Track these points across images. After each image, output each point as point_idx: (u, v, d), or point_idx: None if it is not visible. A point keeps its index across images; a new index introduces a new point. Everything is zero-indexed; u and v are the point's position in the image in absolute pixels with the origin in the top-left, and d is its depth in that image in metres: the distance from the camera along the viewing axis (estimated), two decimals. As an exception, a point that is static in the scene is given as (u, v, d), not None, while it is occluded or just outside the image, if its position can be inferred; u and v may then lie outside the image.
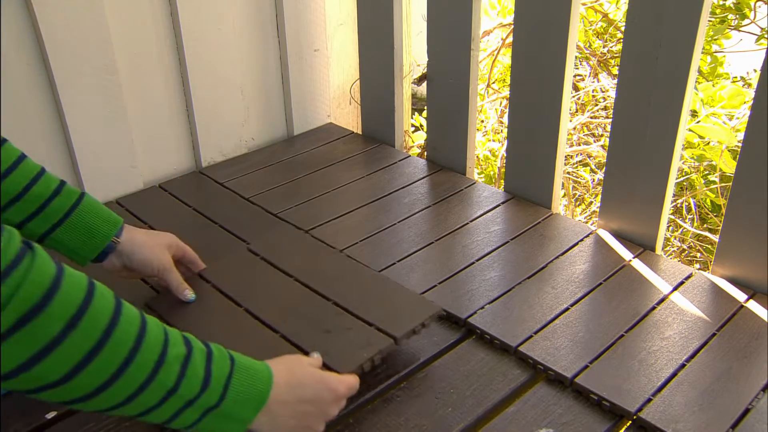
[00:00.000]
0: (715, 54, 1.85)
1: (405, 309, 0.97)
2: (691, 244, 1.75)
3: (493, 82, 1.99)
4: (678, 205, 1.76)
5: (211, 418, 0.68)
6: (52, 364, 0.56)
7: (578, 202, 1.93)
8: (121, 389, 0.61)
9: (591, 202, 1.88)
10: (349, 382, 0.81)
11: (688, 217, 1.75)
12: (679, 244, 1.76)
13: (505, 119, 1.84)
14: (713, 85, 1.62)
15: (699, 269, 1.15)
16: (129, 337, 0.61)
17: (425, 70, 1.64)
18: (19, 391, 0.59)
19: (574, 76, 1.84)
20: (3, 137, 0.86)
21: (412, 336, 0.94)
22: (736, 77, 1.92)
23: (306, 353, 0.89)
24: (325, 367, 0.87)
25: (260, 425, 0.72)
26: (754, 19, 1.78)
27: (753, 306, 1.03)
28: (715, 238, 1.40)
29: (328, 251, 1.14)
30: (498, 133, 1.99)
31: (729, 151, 1.59)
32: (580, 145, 1.89)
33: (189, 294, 0.99)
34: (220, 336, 0.96)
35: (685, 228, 1.73)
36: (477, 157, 1.90)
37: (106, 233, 0.92)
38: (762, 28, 1.78)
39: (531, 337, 0.97)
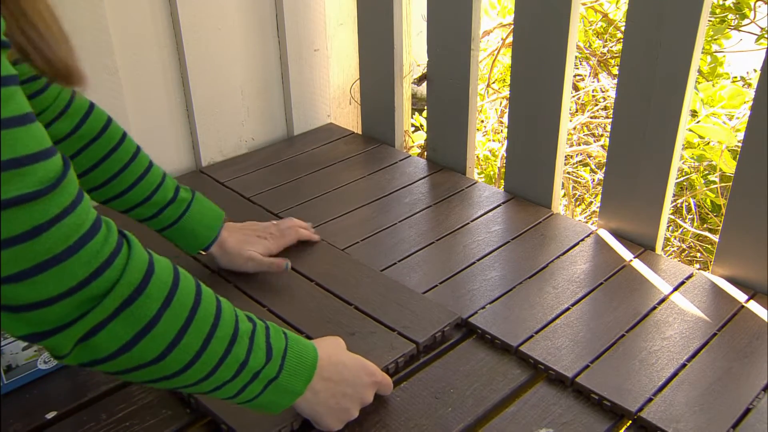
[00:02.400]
0: (715, 54, 1.85)
1: (425, 316, 1.00)
2: (691, 244, 1.75)
3: (493, 82, 1.99)
4: (678, 205, 1.76)
5: (271, 391, 0.72)
6: (150, 343, 0.61)
7: (578, 202, 1.93)
8: (204, 364, 0.66)
9: (591, 202, 1.88)
10: (385, 375, 0.86)
11: (688, 217, 1.75)
12: (679, 244, 1.76)
13: (505, 119, 1.84)
14: (713, 85, 1.62)
15: (699, 269, 1.15)
16: (209, 314, 0.66)
17: (425, 70, 1.64)
18: (112, 374, 0.63)
19: (574, 76, 1.84)
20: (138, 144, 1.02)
21: (432, 342, 0.97)
22: (736, 77, 1.92)
23: None
24: None
25: (304, 401, 0.77)
26: (754, 19, 1.78)
27: (753, 306, 1.03)
28: (715, 238, 1.40)
29: (344, 257, 1.16)
30: (498, 133, 1.99)
31: (729, 151, 1.59)
32: (580, 145, 1.89)
33: (283, 264, 1.09)
34: None
35: (685, 228, 1.73)
36: (477, 157, 1.90)
37: (203, 238, 1.06)
38: (762, 28, 1.78)
39: (531, 336, 0.97)
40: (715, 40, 1.82)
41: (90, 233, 0.57)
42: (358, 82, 1.67)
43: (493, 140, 1.96)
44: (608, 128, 1.68)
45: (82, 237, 0.57)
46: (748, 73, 1.95)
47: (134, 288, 0.60)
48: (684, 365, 0.91)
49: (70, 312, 0.58)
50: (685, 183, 1.76)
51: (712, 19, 1.79)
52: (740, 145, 1.04)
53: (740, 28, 1.81)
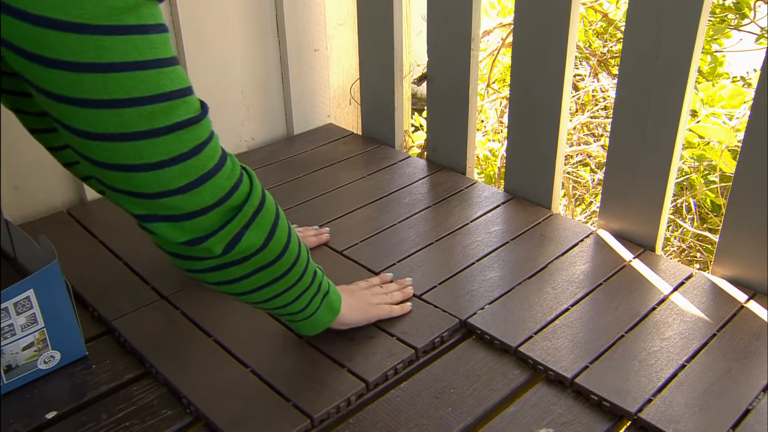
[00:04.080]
0: (715, 54, 1.85)
1: (424, 321, 1.00)
2: (691, 244, 1.75)
3: (493, 82, 1.99)
4: (678, 205, 1.76)
5: (324, 306, 0.90)
6: (274, 245, 0.77)
7: (578, 202, 1.93)
8: (299, 267, 0.82)
9: (591, 202, 1.88)
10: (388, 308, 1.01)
11: (688, 217, 1.75)
12: (679, 244, 1.76)
13: (505, 119, 1.84)
14: (713, 85, 1.62)
15: (699, 269, 1.15)
16: (290, 227, 0.82)
17: (425, 70, 1.64)
18: (246, 276, 0.77)
19: (574, 76, 1.84)
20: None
21: (431, 348, 0.97)
22: (736, 77, 1.91)
23: (328, 357, 0.94)
24: (351, 373, 0.91)
25: (345, 316, 0.94)
26: (754, 18, 1.78)
27: (753, 306, 1.03)
28: (715, 238, 1.40)
29: (343, 260, 1.16)
30: (498, 133, 1.99)
31: (729, 151, 1.59)
32: (580, 145, 1.89)
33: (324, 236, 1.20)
34: (244, 336, 0.97)
35: (685, 228, 1.73)
36: (477, 157, 1.90)
37: None
38: (762, 28, 1.78)
39: (531, 337, 0.97)
40: (715, 39, 1.82)
41: (224, 154, 0.70)
42: (358, 82, 1.67)
43: (493, 140, 1.96)
44: (608, 128, 1.68)
45: (222, 156, 0.70)
46: (748, 73, 1.95)
47: (260, 200, 0.74)
48: (683, 366, 0.91)
49: (220, 219, 0.70)
50: (685, 183, 1.76)
51: (712, 19, 1.79)
52: (740, 145, 1.04)
53: (740, 28, 1.80)
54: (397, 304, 1.02)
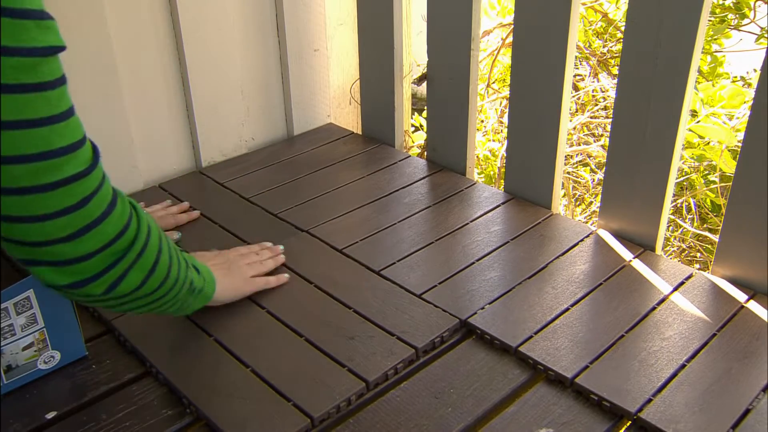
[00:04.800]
0: (715, 54, 1.85)
1: (424, 320, 1.00)
2: (691, 244, 1.75)
3: (493, 82, 1.99)
4: (678, 205, 1.76)
5: (200, 300, 0.94)
6: (152, 281, 0.79)
7: (578, 202, 1.93)
8: (177, 288, 0.84)
9: (591, 202, 1.88)
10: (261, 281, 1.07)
11: (688, 217, 1.75)
12: (679, 244, 1.76)
13: (505, 119, 1.84)
14: (713, 85, 1.62)
15: (699, 269, 1.15)
16: (174, 250, 0.84)
17: (425, 70, 1.64)
18: (123, 305, 0.79)
19: (574, 76, 1.84)
20: None
21: (431, 347, 0.97)
22: (736, 77, 1.91)
23: (328, 357, 0.94)
24: (351, 373, 0.91)
25: (216, 299, 0.99)
26: (754, 18, 1.78)
27: (753, 306, 1.03)
28: (715, 238, 1.40)
29: (343, 259, 1.16)
30: (498, 133, 1.99)
31: (729, 151, 1.59)
32: (580, 145, 1.89)
33: (174, 235, 1.21)
34: (245, 335, 0.98)
35: (685, 228, 1.73)
36: (477, 157, 1.90)
37: None
38: (762, 28, 1.78)
39: (531, 337, 0.97)
40: (715, 39, 1.82)
41: (114, 201, 0.72)
42: (358, 82, 1.67)
43: (493, 140, 1.96)
44: (608, 128, 1.68)
45: (110, 204, 0.71)
46: (748, 73, 1.95)
47: (143, 243, 0.76)
48: (683, 366, 0.91)
49: (102, 264, 0.72)
50: (685, 183, 1.76)
51: (712, 18, 1.79)
52: (740, 145, 1.04)
53: (740, 28, 1.80)
54: (272, 273, 1.09)
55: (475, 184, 1.39)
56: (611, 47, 1.92)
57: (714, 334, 0.97)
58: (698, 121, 1.53)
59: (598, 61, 1.91)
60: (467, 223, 1.25)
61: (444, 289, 1.08)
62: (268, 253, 1.13)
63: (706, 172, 1.75)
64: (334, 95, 1.72)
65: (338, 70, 1.71)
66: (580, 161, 1.92)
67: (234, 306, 1.03)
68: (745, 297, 1.05)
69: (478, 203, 1.32)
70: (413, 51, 1.88)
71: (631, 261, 1.14)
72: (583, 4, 1.87)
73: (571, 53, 1.19)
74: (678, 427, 0.82)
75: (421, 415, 0.86)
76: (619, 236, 1.21)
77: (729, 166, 1.57)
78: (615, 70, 1.87)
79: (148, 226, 0.78)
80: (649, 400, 0.86)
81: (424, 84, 1.61)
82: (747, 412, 0.84)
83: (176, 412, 0.87)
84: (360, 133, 1.67)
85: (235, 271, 1.05)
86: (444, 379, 0.91)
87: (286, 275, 1.09)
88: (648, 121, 1.11)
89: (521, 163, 1.33)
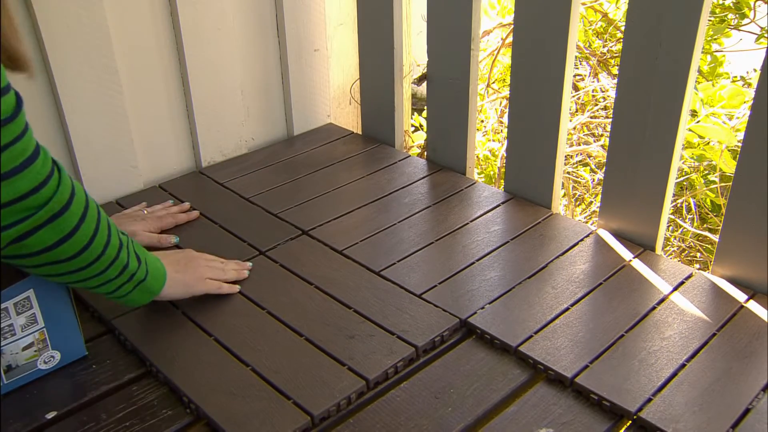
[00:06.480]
0: (715, 53, 1.85)
1: (424, 320, 1.00)
2: (691, 244, 1.75)
3: (493, 82, 1.99)
4: (678, 205, 1.76)
5: (139, 290, 0.92)
6: (68, 247, 0.79)
7: (578, 202, 1.93)
8: (101, 264, 0.84)
9: (591, 202, 1.88)
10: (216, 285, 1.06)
11: (688, 217, 1.75)
12: (679, 244, 1.76)
13: (505, 119, 1.84)
14: (713, 85, 1.61)
15: (699, 269, 1.15)
16: (105, 227, 0.84)
17: (425, 70, 1.64)
18: (30, 267, 0.80)
19: (574, 76, 1.84)
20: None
21: (431, 347, 0.97)
22: (736, 77, 1.91)
23: (330, 356, 0.94)
24: (351, 371, 0.91)
25: (164, 294, 0.98)
26: (754, 18, 1.78)
27: (753, 306, 1.03)
28: (715, 238, 1.40)
29: (343, 260, 1.16)
30: (498, 133, 1.99)
31: (729, 151, 1.59)
32: (580, 145, 1.89)
33: (171, 239, 1.19)
34: (245, 336, 0.98)
35: (685, 228, 1.73)
36: (477, 157, 1.90)
37: None
38: (762, 28, 1.78)
39: (531, 337, 0.97)
40: (715, 39, 1.82)
41: (32, 157, 0.72)
42: (358, 82, 1.67)
43: (493, 140, 1.96)
44: (608, 128, 1.68)
45: (26, 159, 0.72)
46: (748, 72, 1.95)
47: (63, 205, 0.76)
48: (683, 365, 0.91)
49: (9, 218, 0.73)
50: (685, 183, 1.76)
51: (712, 18, 1.79)
52: (740, 145, 1.04)
53: (740, 28, 1.80)
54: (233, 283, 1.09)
55: (475, 183, 1.39)
56: (611, 47, 1.92)
57: (714, 334, 0.97)
58: (698, 121, 1.53)
59: (598, 61, 1.91)
60: (467, 223, 1.25)
61: (444, 288, 1.08)
62: (233, 265, 1.11)
63: (706, 172, 1.75)
64: (334, 95, 1.72)
65: (338, 70, 1.71)
66: (580, 161, 1.92)
67: (234, 306, 1.04)
68: (745, 297, 1.05)
69: (478, 203, 1.32)
70: (413, 51, 1.88)
71: (631, 261, 1.14)
72: (583, 4, 1.87)
73: (571, 53, 1.19)
74: (678, 426, 0.82)
75: (421, 415, 0.86)
76: (619, 236, 1.21)
77: (729, 166, 1.57)
78: (615, 70, 1.87)
79: (74, 192, 0.78)
80: (649, 400, 0.86)
81: (424, 84, 1.61)
82: (747, 411, 0.84)
83: (176, 411, 0.87)
84: (360, 133, 1.67)
85: (191, 269, 1.03)
86: (444, 378, 0.91)
87: (238, 287, 1.08)
88: (648, 121, 1.11)
89: (521, 163, 1.33)
